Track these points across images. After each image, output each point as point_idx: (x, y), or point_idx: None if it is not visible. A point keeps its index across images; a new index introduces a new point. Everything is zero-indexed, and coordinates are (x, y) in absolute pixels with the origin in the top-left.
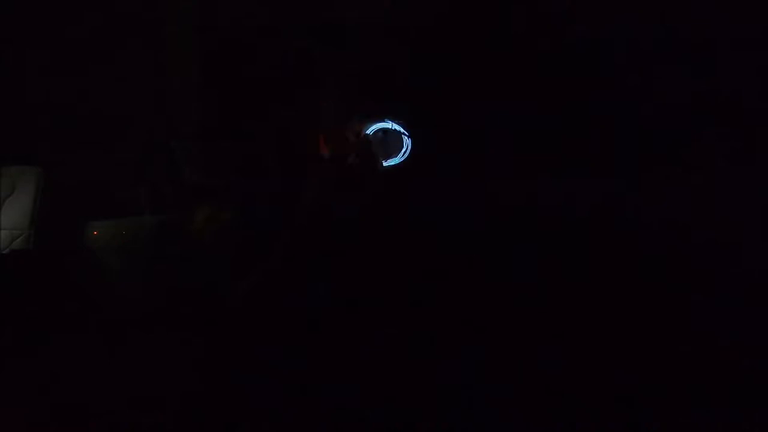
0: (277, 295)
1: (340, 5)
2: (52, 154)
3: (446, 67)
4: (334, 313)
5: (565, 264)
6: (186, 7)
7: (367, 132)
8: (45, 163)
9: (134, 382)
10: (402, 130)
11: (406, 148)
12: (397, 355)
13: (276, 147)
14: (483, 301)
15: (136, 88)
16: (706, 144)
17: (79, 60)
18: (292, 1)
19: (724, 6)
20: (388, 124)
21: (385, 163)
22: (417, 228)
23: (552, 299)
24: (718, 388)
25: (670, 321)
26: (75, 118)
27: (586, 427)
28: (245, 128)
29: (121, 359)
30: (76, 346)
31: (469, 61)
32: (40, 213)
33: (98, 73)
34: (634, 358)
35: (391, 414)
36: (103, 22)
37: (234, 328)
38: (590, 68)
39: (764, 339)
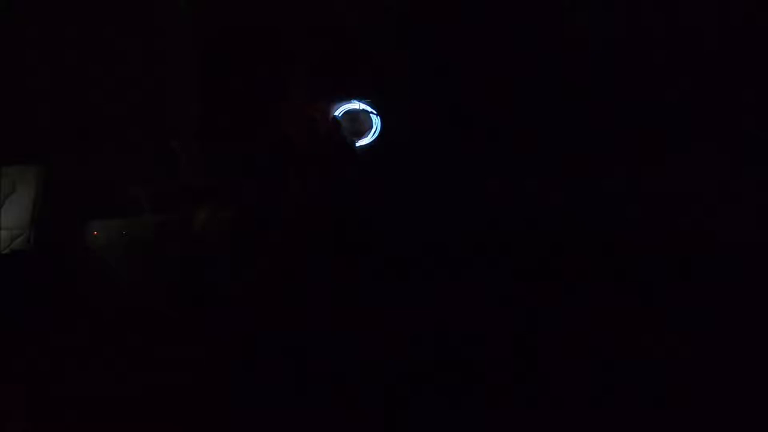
0: (276, 293)
1: None
2: (52, 153)
3: (417, 47)
4: (330, 308)
5: (548, 259)
6: (186, 7)
7: (336, 113)
8: (45, 163)
9: (134, 381)
10: (370, 109)
11: (376, 128)
12: (396, 352)
13: (266, 144)
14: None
15: (137, 88)
16: (706, 143)
17: (79, 60)
18: None
19: (723, 5)
20: (356, 104)
21: (355, 144)
22: (387, 212)
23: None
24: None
25: (668, 321)
26: (75, 118)
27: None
28: (237, 127)
29: (121, 358)
30: (76, 345)
31: (442, 41)
32: (40, 213)
33: (98, 73)
34: (634, 359)
35: (392, 414)
36: (103, 22)
37: (234, 326)
38: (583, 63)
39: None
